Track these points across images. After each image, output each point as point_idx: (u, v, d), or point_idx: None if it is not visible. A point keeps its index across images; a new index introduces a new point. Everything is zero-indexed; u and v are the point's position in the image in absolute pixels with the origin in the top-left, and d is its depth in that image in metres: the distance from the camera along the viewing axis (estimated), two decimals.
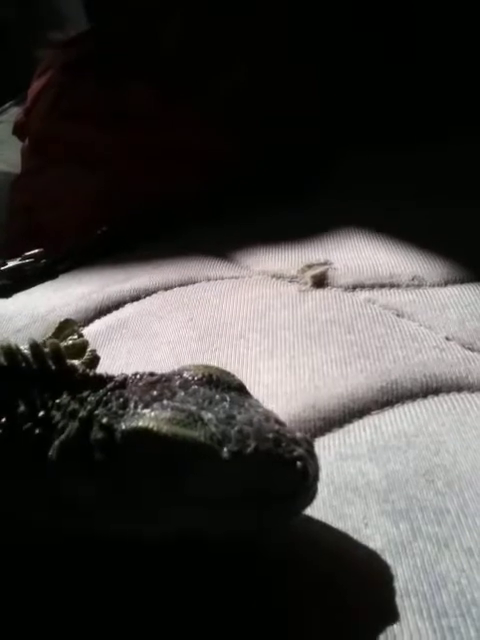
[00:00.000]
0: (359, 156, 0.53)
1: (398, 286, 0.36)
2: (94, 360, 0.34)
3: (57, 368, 0.22)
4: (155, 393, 0.21)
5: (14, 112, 0.87)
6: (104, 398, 0.21)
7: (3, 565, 0.22)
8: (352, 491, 0.23)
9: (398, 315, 0.33)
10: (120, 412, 0.20)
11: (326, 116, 0.56)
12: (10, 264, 0.44)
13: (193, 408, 0.20)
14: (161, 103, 0.55)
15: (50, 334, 0.36)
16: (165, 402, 0.20)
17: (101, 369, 0.33)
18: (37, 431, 0.20)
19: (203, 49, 0.57)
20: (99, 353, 0.35)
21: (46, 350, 0.22)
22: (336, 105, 0.57)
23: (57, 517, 0.20)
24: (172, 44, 0.58)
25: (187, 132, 0.53)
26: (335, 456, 0.25)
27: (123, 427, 0.19)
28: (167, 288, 0.41)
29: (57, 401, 0.21)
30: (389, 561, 0.20)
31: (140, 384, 0.21)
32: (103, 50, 0.59)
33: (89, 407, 0.20)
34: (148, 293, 0.40)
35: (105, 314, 0.39)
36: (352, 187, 0.49)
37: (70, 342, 0.35)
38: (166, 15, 0.59)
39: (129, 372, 0.30)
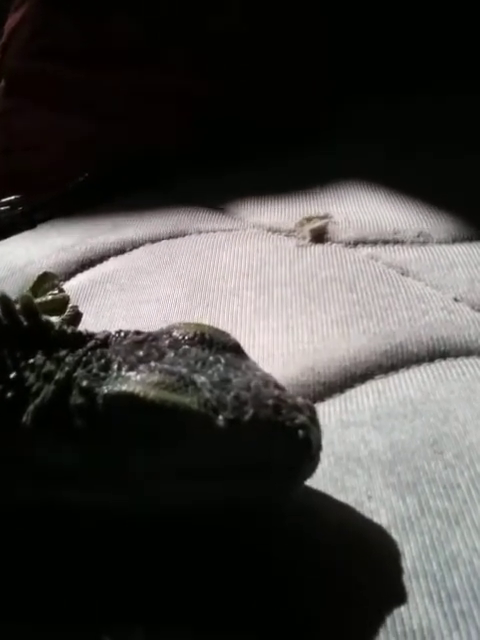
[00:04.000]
0: (358, 107, 0.51)
1: (402, 242, 0.34)
2: (76, 317, 0.32)
3: (30, 324, 0.19)
4: (141, 353, 0.19)
5: None
6: (84, 358, 0.18)
7: None
8: (354, 461, 0.21)
9: (403, 273, 0.31)
10: (102, 374, 0.18)
11: (326, 67, 0.52)
12: None
13: (184, 371, 0.18)
14: (147, 41, 0.51)
15: (28, 288, 0.33)
16: (153, 364, 0.18)
17: (83, 327, 0.31)
18: (8, 394, 0.18)
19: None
20: (81, 309, 0.32)
21: (17, 305, 0.19)
22: (334, 54, 0.53)
23: (31, 486, 0.18)
24: None
25: (174, 74, 0.50)
26: (336, 423, 0.23)
27: (105, 391, 0.17)
28: (154, 241, 0.38)
29: (31, 361, 0.19)
30: (396, 538, 0.19)
31: (124, 343, 0.19)
32: None
33: (67, 368, 0.18)
34: (134, 245, 0.38)
35: (88, 268, 0.36)
36: (351, 138, 0.46)
37: (49, 297, 0.32)
38: None
39: (113, 330, 0.27)
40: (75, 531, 0.19)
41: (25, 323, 0.19)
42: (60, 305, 0.32)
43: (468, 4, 0.55)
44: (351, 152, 0.44)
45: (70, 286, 0.35)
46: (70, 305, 0.32)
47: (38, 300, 0.32)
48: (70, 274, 0.36)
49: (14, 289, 0.35)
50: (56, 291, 0.33)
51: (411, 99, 0.50)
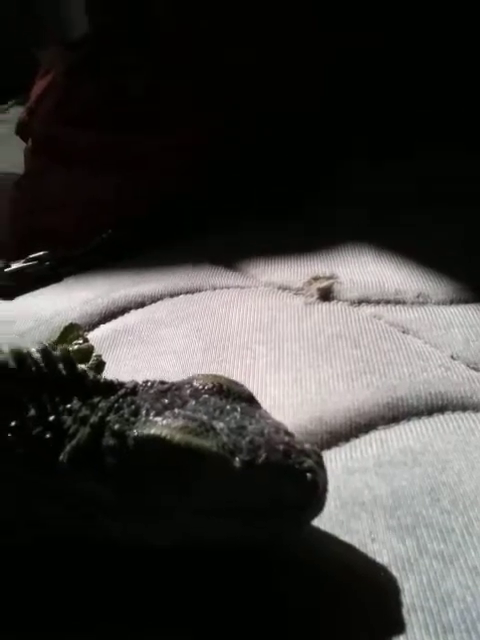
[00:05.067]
0: (360, 165, 0.53)
1: (403, 303, 0.36)
2: (99, 365, 0.34)
3: (68, 373, 0.22)
4: (166, 401, 0.21)
5: (15, 111, 0.88)
6: (116, 405, 0.21)
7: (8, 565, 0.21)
8: (359, 505, 0.23)
9: (404, 332, 0.34)
10: (132, 419, 0.20)
11: (328, 116, 0.56)
12: (14, 266, 0.44)
13: (204, 417, 0.20)
14: (163, 105, 0.55)
15: (55, 338, 0.36)
16: (176, 410, 0.20)
17: (106, 374, 0.33)
18: (48, 435, 0.20)
19: (201, 32, 0.56)
20: (104, 358, 0.34)
21: (56, 354, 0.22)
22: (338, 111, 0.57)
23: (65, 520, 0.20)
24: (169, 23, 0.57)
25: (187, 132, 0.53)
26: (342, 469, 0.25)
27: (135, 434, 0.19)
28: (172, 295, 0.41)
29: (68, 406, 0.21)
30: (396, 576, 0.20)
31: (151, 392, 0.21)
32: (106, 52, 0.59)
33: (100, 413, 0.20)
34: (153, 299, 0.40)
35: (110, 319, 0.39)
36: (354, 198, 0.50)
37: (75, 346, 0.35)
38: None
39: (136, 378, 0.30)
40: (101, 561, 0.21)
41: (63, 372, 0.22)
42: (85, 354, 0.34)
43: (452, 68, 0.58)
44: (352, 212, 0.47)
45: (94, 336, 0.37)
46: (94, 354, 0.34)
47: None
48: (93, 325, 0.38)
49: (41, 339, 0.37)
50: (81, 341, 0.36)
51: (409, 161, 0.52)
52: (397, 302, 0.36)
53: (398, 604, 0.19)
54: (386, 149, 0.53)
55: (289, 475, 0.19)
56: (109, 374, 0.33)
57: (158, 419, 0.20)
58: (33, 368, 0.22)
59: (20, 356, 0.22)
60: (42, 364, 0.22)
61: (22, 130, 0.62)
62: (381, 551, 0.21)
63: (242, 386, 0.22)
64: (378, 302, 0.37)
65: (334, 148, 0.54)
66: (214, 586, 0.20)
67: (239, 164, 0.52)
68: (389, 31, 0.58)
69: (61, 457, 0.20)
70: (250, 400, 0.22)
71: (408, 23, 0.58)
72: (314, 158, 0.53)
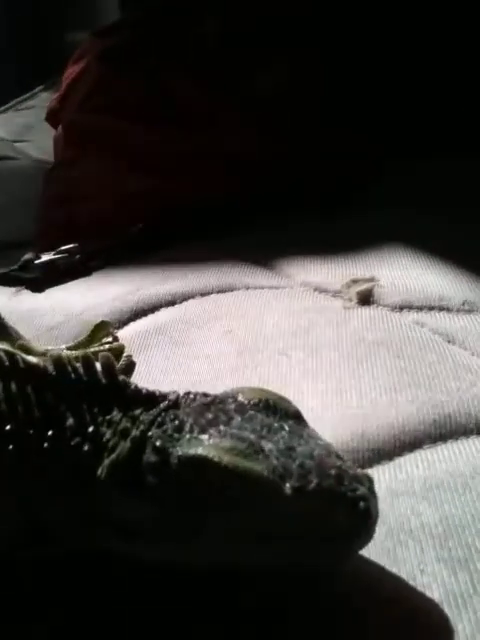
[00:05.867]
0: (403, 167, 0.52)
1: (448, 310, 0.35)
2: (130, 366, 0.33)
3: (108, 382, 0.21)
4: (210, 416, 0.20)
5: (44, 97, 0.87)
6: (158, 419, 0.19)
7: (36, 578, 0.21)
8: (406, 533, 0.22)
9: (449, 341, 0.32)
10: (176, 435, 0.19)
11: (371, 128, 0.54)
12: (44, 258, 0.43)
13: (252, 437, 0.19)
14: (203, 100, 0.54)
15: (85, 336, 0.35)
16: (222, 428, 0.19)
17: (137, 375, 0.33)
18: (86, 448, 0.19)
19: (244, 43, 0.55)
20: (134, 358, 0.34)
21: (97, 362, 0.21)
22: (381, 115, 0.55)
23: (100, 536, 0.19)
24: (213, 37, 0.56)
25: (227, 132, 0.52)
26: (386, 491, 0.23)
27: (180, 453, 0.18)
28: (204, 294, 0.39)
29: (108, 417, 0.20)
30: (448, 614, 0.19)
31: (194, 405, 0.20)
32: (142, 41, 0.58)
33: (142, 427, 0.19)
34: (184, 298, 0.39)
35: (140, 317, 0.38)
36: (398, 202, 0.48)
37: (106, 345, 0.34)
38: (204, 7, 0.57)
39: (167, 381, 0.29)
40: (133, 581, 0.20)
41: (104, 381, 0.21)
42: (116, 354, 0.33)
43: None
44: (398, 215, 0.45)
45: (123, 334, 0.36)
46: (125, 354, 0.33)
47: (95, 348, 0.34)
48: (123, 322, 0.37)
49: (71, 334, 0.36)
50: (111, 339, 0.35)
51: (462, 162, 0.50)
52: (441, 309, 0.35)
53: None
54: (432, 149, 0.51)
55: (341, 503, 0.18)
56: (139, 376, 0.32)
57: (204, 437, 0.19)
58: (73, 375, 0.21)
59: (60, 362, 0.21)
60: (82, 371, 0.21)
61: (52, 117, 0.61)
62: (431, 585, 0.20)
63: (289, 402, 0.21)
64: (421, 308, 0.35)
65: (379, 149, 0.52)
66: (255, 613, 0.19)
67: (284, 165, 0.50)
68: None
69: (99, 472, 0.19)
70: (297, 417, 0.21)
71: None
72: (361, 160, 0.51)
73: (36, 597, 0.20)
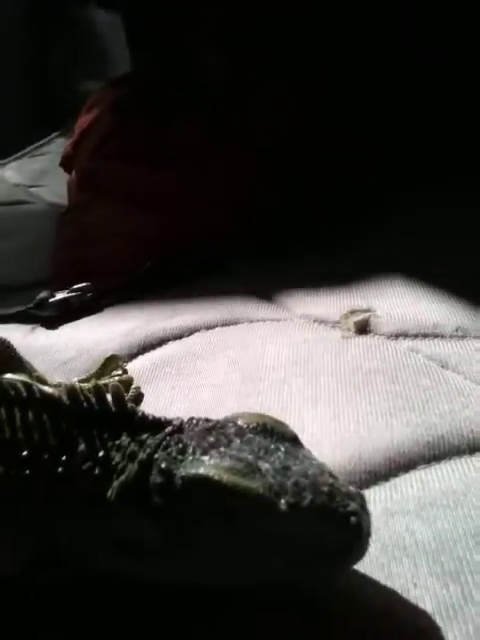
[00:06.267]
0: (392, 196, 0.54)
1: (442, 336, 0.36)
2: (138, 397, 0.35)
3: (118, 410, 0.22)
4: (212, 439, 0.21)
5: (59, 143, 0.91)
6: (163, 442, 0.21)
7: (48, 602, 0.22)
8: (400, 549, 0.23)
9: (443, 366, 0.33)
10: (179, 457, 0.20)
11: (374, 163, 0.57)
12: (58, 296, 0.45)
13: (250, 457, 0.20)
14: (208, 143, 0.57)
15: (96, 369, 0.37)
16: (222, 449, 0.21)
17: (145, 405, 0.34)
18: (96, 471, 0.21)
19: (247, 87, 0.58)
20: (143, 390, 0.35)
21: (108, 392, 0.23)
22: (378, 140, 0.57)
23: (111, 558, 0.21)
24: (217, 80, 0.60)
25: (226, 175, 0.55)
26: (382, 511, 0.25)
27: (183, 473, 0.20)
28: (209, 328, 0.41)
29: (117, 442, 0.21)
30: (440, 625, 0.20)
31: (197, 429, 0.22)
32: (151, 91, 0.61)
33: (148, 450, 0.21)
34: (191, 332, 0.41)
35: (148, 351, 0.40)
36: (388, 230, 0.50)
37: (116, 378, 0.35)
38: (206, 50, 0.61)
39: (173, 410, 0.30)
40: (137, 600, 0.21)
41: (113, 409, 0.22)
42: (125, 385, 0.35)
43: None
44: (387, 245, 0.47)
45: (132, 367, 0.38)
46: (133, 386, 0.35)
47: (105, 380, 0.35)
48: (132, 356, 0.39)
49: (83, 368, 0.38)
50: (120, 372, 0.37)
51: (444, 191, 0.52)
52: (435, 336, 0.36)
53: None
54: (421, 181, 0.53)
55: (333, 518, 0.19)
56: (147, 405, 0.34)
57: (205, 458, 0.20)
58: (85, 404, 0.22)
59: (73, 392, 0.22)
60: (94, 400, 0.22)
61: (66, 163, 0.64)
62: (424, 597, 0.21)
63: (286, 426, 0.22)
64: (416, 336, 0.37)
65: (379, 149, 0.54)
66: (250, 628, 0.20)
67: (285, 202, 0.52)
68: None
69: (109, 493, 0.21)
70: (293, 440, 0.22)
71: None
72: (355, 193, 0.53)
73: (44, 621, 0.21)
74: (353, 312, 0.39)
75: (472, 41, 0.59)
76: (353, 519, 0.19)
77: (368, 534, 0.20)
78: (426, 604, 0.21)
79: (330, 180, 0.54)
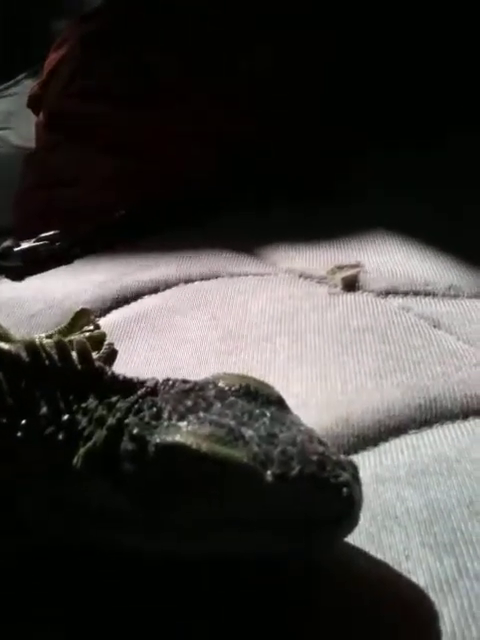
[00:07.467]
0: (384, 154, 0.51)
1: (434, 295, 0.34)
2: (111, 354, 0.32)
3: (84, 368, 0.20)
4: (189, 403, 0.19)
5: (27, 84, 0.85)
6: (135, 406, 0.19)
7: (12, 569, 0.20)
8: (391, 519, 0.21)
9: (434, 326, 0.32)
10: (153, 423, 0.18)
11: (352, 113, 0.54)
12: (24, 245, 0.42)
13: (232, 423, 0.18)
14: (182, 79, 0.53)
15: (65, 323, 0.34)
16: (201, 414, 0.19)
17: (119, 364, 0.32)
18: (60, 436, 0.19)
19: (226, 25, 0.54)
20: (116, 346, 0.33)
21: (72, 347, 0.20)
22: (362, 101, 0.55)
23: (76, 526, 0.19)
24: (195, 15, 0.55)
25: (207, 112, 0.51)
26: (371, 477, 0.23)
27: (157, 440, 0.18)
28: (188, 281, 0.39)
29: (83, 405, 0.19)
30: (434, 599, 0.19)
31: (172, 392, 0.20)
32: (122, 23, 0.56)
33: (118, 414, 0.19)
34: (168, 285, 0.39)
35: (122, 305, 0.37)
36: (382, 187, 0.47)
37: (86, 333, 0.33)
38: None
39: (149, 369, 0.28)
40: (115, 571, 0.19)
41: (79, 367, 0.20)
42: (97, 342, 0.32)
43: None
44: (381, 201, 0.45)
45: (105, 322, 0.35)
46: (106, 342, 0.33)
47: (74, 336, 0.33)
48: (105, 310, 0.37)
49: (51, 322, 0.36)
50: (92, 327, 0.34)
51: (443, 145, 0.50)
52: (427, 294, 0.34)
53: (437, 631, 0.18)
54: (416, 135, 0.50)
55: (324, 489, 0.18)
56: (121, 364, 0.32)
57: (182, 424, 0.18)
58: (47, 361, 0.20)
59: (33, 348, 0.20)
60: (56, 357, 0.20)
61: (34, 103, 0.60)
62: (416, 570, 0.20)
63: (271, 388, 0.21)
64: (406, 293, 0.35)
65: (364, 135, 0.51)
66: (237, 598, 0.19)
67: (266, 149, 0.49)
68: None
69: (74, 461, 0.18)
70: (279, 403, 0.20)
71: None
72: (346, 144, 0.50)
73: (23, 592, 0.20)
74: (340, 268, 0.37)
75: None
76: (345, 490, 0.18)
77: (360, 505, 0.18)
78: (419, 577, 0.19)
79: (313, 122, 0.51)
